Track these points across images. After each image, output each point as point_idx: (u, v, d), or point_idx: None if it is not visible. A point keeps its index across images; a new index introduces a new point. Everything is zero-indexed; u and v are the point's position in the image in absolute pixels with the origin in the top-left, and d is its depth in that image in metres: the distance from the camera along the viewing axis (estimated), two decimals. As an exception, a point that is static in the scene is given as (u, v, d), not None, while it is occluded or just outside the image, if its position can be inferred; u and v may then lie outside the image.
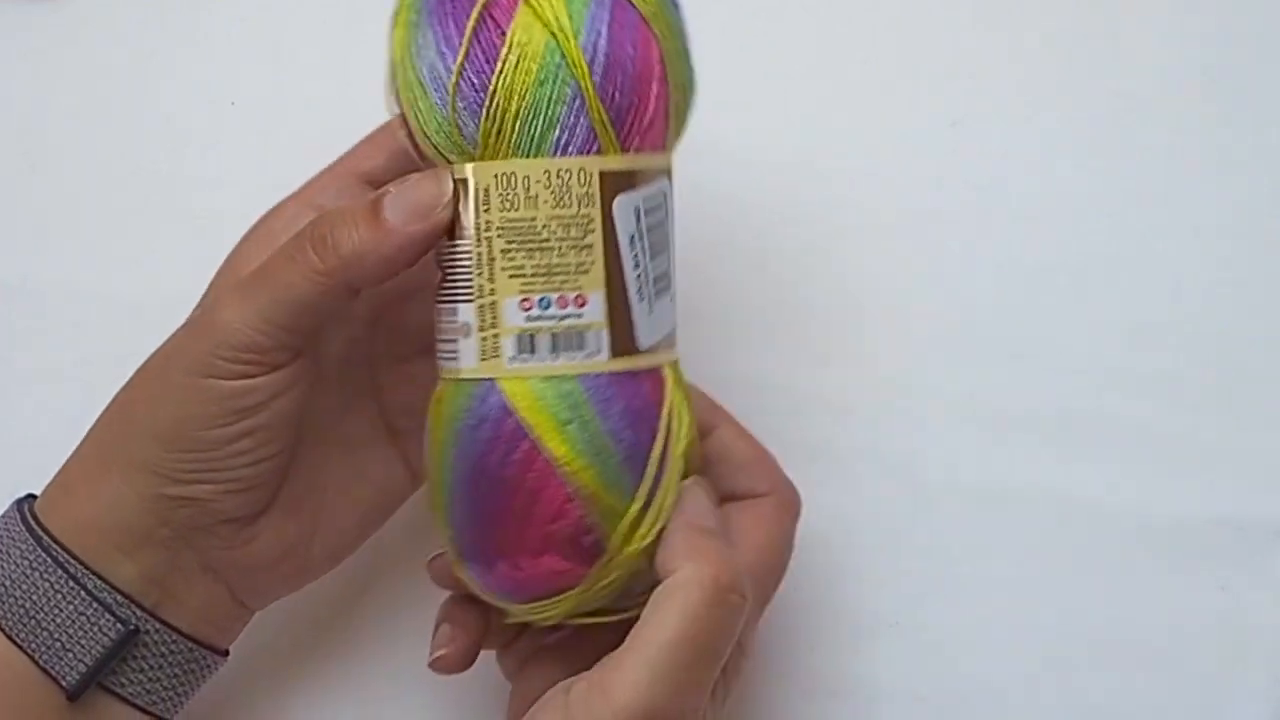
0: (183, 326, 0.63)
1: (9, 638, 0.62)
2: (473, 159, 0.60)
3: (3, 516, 0.64)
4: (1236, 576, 0.72)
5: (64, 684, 0.61)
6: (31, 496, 0.65)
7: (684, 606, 0.57)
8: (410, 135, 0.62)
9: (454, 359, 0.61)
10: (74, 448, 0.64)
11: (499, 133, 0.60)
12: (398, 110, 0.62)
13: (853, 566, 0.68)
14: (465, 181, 0.60)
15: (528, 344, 0.60)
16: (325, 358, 0.65)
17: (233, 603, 0.65)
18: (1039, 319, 0.74)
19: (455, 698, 0.72)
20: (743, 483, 0.64)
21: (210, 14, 0.76)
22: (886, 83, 0.76)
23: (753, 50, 0.76)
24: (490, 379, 0.60)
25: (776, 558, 0.64)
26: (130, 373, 0.64)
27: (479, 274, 0.60)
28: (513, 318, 0.60)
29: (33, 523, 0.63)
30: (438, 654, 0.64)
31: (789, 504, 0.65)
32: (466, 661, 0.64)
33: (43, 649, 0.61)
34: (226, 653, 0.66)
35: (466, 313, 0.60)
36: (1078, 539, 0.72)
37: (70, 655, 0.61)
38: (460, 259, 0.61)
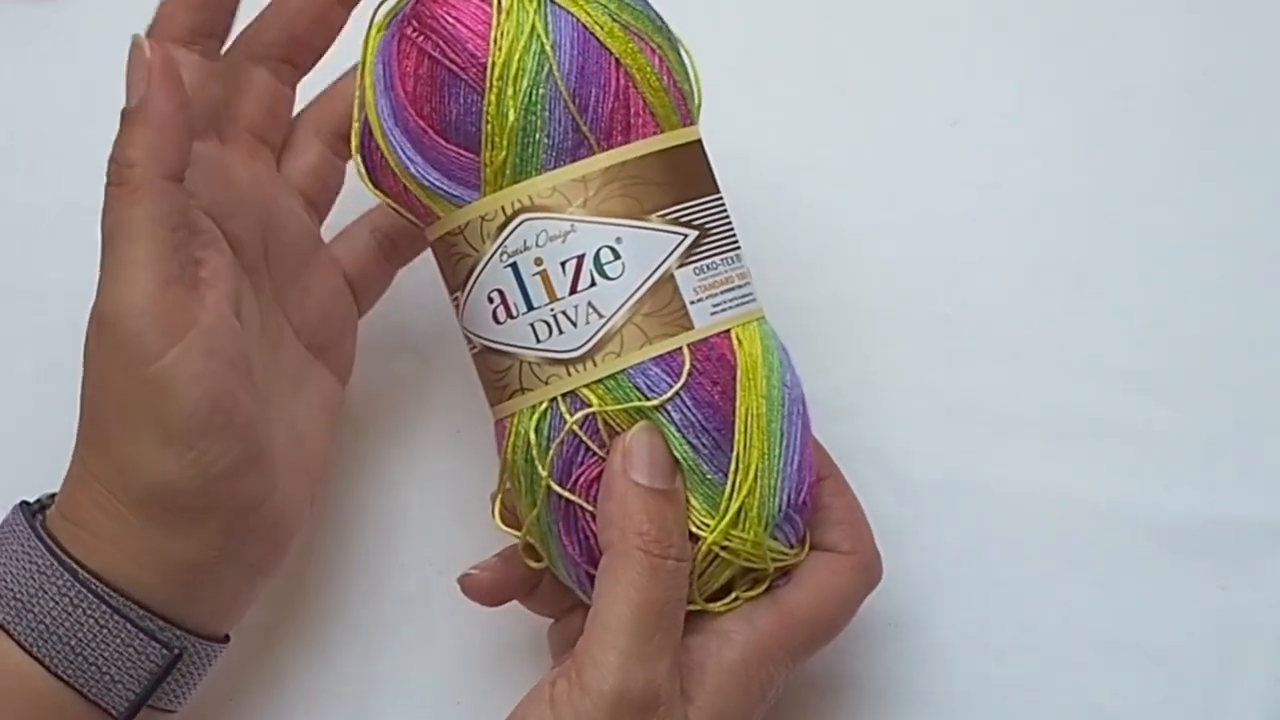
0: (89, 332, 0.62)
1: (53, 673, 0.61)
2: (693, 123, 0.63)
3: (26, 550, 0.62)
4: (1236, 576, 0.72)
5: (113, 713, 0.62)
6: (40, 510, 0.64)
7: (626, 582, 0.59)
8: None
9: (748, 300, 0.63)
10: (67, 463, 0.63)
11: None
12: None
13: (853, 566, 0.68)
14: (700, 141, 0.63)
15: None
16: (244, 315, 0.64)
17: (260, 575, 0.65)
18: (1039, 319, 0.74)
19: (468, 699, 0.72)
20: (831, 537, 0.64)
21: (210, 14, 0.76)
22: (886, 83, 0.76)
23: (753, 51, 0.76)
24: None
25: (834, 612, 0.64)
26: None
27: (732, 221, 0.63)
28: None
29: (64, 555, 0.61)
30: (470, 571, 0.66)
31: (867, 571, 0.65)
32: (489, 593, 0.66)
33: (91, 683, 0.61)
34: (228, 638, 0.66)
35: (744, 256, 0.63)
36: (1078, 539, 0.72)
37: (120, 686, 0.61)
38: (722, 214, 0.63)
